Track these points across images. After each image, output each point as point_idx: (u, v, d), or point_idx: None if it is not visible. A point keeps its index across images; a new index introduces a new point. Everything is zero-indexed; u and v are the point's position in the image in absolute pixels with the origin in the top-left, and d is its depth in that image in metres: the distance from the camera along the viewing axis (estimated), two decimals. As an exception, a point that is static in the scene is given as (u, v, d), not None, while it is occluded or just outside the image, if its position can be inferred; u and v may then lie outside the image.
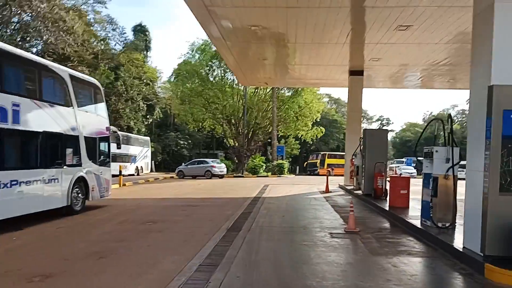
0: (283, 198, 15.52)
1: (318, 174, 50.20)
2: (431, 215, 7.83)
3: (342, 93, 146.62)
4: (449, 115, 8.14)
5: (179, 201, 14.84)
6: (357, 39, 15.08)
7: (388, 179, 11.76)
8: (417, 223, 8.69)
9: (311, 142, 50.06)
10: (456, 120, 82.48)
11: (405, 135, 76.61)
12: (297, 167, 56.19)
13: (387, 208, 11.40)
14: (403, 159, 53.68)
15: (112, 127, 14.62)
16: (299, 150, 55.75)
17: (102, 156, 12.81)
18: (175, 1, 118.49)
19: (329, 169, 52.43)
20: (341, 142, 69.01)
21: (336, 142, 67.04)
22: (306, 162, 57.05)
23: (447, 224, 7.89)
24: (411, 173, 38.49)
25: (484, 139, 5.75)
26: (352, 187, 18.12)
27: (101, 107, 13.31)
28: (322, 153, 56.01)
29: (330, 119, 62.48)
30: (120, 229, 9.06)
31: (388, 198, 12.46)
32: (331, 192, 17.69)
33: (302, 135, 42.96)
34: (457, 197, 7.87)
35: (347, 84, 22.38)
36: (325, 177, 20.22)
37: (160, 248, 7.25)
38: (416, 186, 12.86)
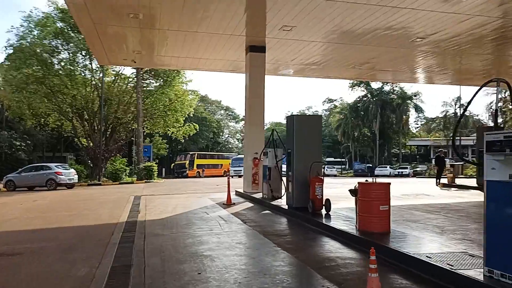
0: (173, 221, 10.07)
1: (187, 176, 45.15)
2: None
3: (209, 90, 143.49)
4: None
5: (-13, 240, 8.34)
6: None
7: (356, 186, 7.45)
8: (479, 276, 4.47)
9: (182, 141, 44.59)
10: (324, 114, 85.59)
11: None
12: (163, 169, 50.29)
13: (356, 233, 7.11)
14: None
15: None
16: (167, 150, 49.82)
17: None
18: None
19: (199, 170, 47.85)
20: (210, 141, 65.13)
21: (205, 141, 62.93)
22: (173, 164, 51.46)
23: None
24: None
25: None
26: (260, 195, 13.64)
27: None
28: (191, 153, 51.12)
29: (199, 117, 57.91)
30: None
31: (356, 218, 8.25)
32: (234, 204, 12.85)
33: (172, 133, 37.24)
34: None
35: (240, 66, 18.05)
36: (225, 181, 15.32)
37: None
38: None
